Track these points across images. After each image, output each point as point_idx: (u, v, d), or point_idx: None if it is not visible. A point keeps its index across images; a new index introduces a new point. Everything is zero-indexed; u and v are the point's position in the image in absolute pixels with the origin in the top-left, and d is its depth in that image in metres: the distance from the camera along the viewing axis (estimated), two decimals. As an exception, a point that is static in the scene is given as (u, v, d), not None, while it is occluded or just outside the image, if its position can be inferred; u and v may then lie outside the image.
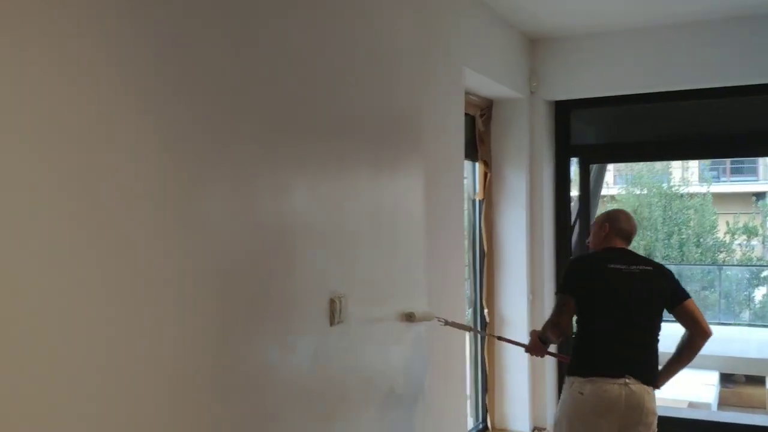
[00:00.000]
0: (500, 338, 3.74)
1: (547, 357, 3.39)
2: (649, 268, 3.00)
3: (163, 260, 1.83)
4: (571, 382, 2.92)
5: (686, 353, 3.00)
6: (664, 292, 2.97)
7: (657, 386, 2.96)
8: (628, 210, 3.22)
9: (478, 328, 3.49)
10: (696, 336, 2.96)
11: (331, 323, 2.56)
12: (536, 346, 3.15)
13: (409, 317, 3.11)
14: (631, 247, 3.13)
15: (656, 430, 2.88)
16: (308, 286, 2.44)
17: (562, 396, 2.99)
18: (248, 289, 2.13)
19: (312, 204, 2.46)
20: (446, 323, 3.36)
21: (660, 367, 3.02)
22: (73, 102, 1.59)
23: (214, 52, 2.01)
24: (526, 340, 4.97)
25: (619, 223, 3.08)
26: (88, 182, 1.62)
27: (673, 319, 3.05)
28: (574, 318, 3.05)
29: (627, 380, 2.81)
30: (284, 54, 2.32)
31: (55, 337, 1.54)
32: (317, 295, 2.49)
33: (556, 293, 3.03)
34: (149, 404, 1.78)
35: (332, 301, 2.56)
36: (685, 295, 2.99)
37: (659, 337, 2.99)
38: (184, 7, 1.91)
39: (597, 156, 5.69)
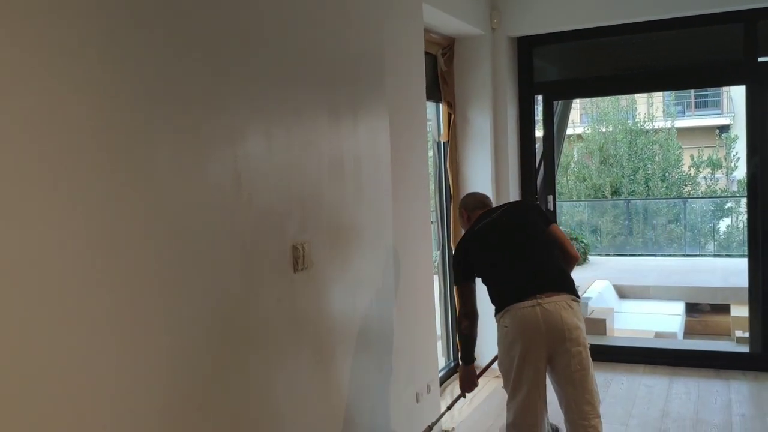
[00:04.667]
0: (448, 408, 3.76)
1: None
2: (507, 206, 3.32)
3: (110, 214, 1.77)
4: (497, 321, 3.04)
5: None
6: (533, 216, 3.20)
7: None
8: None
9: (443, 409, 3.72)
10: (565, 256, 3.14)
11: (295, 270, 2.53)
12: (466, 378, 3.37)
13: None
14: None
15: (587, 344, 2.92)
16: (268, 233, 2.39)
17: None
18: (202, 237, 2.08)
19: (268, 150, 2.40)
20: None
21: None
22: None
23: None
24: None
25: (468, 204, 3.37)
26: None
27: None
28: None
29: (538, 299, 2.87)
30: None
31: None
32: (278, 242, 2.45)
33: (455, 285, 3.29)
34: (109, 360, 1.74)
35: (294, 248, 2.53)
36: (549, 221, 3.21)
37: (555, 247, 3.12)
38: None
39: (561, 92, 5.66)
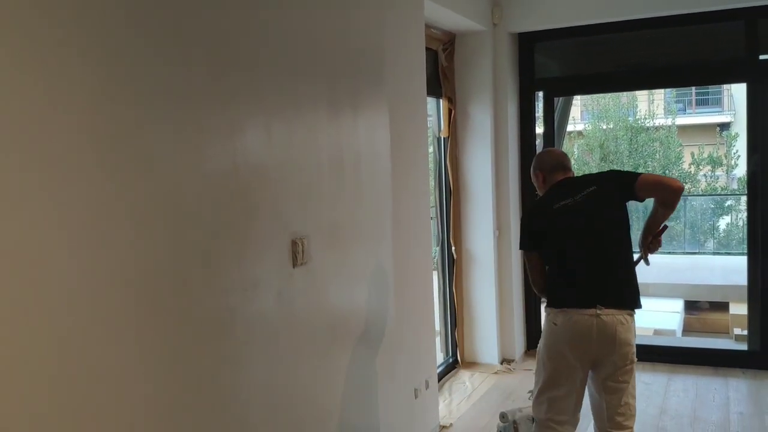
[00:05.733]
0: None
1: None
2: (592, 187, 2.93)
3: (111, 208, 1.76)
4: (548, 314, 2.94)
5: (662, 213, 2.92)
6: (617, 198, 2.90)
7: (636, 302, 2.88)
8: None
9: None
10: (664, 197, 2.88)
11: (294, 265, 2.53)
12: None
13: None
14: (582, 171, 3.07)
15: (634, 359, 2.83)
16: (267, 228, 2.39)
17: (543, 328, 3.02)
18: (202, 231, 2.07)
19: (267, 144, 2.39)
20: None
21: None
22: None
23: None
24: (492, 275, 4.99)
25: (545, 163, 3.08)
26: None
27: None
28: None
29: (598, 310, 2.76)
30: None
31: None
32: (278, 237, 2.44)
33: (520, 249, 3.08)
34: (106, 356, 1.74)
35: (294, 243, 2.52)
36: (635, 176, 2.89)
37: (629, 251, 2.93)
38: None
39: (562, 89, 5.65)
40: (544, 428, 2.94)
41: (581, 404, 2.94)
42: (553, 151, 3.21)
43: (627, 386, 2.83)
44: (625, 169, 2.98)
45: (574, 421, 2.95)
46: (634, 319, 2.85)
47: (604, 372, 2.84)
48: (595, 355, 2.81)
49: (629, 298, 2.86)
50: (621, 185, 2.90)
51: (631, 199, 2.89)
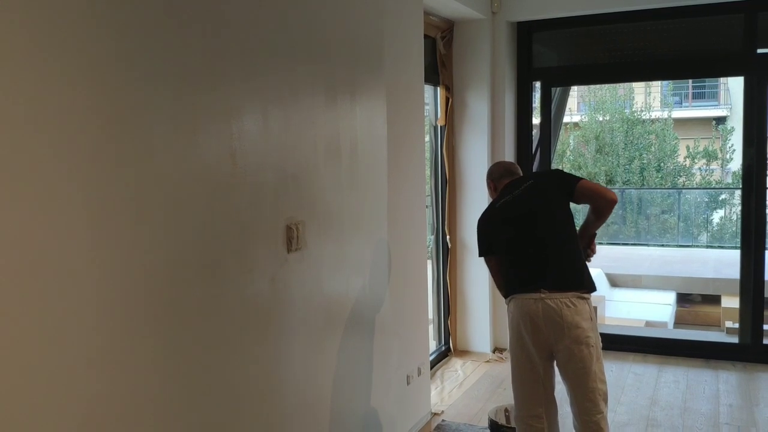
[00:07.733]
0: None
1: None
2: (529, 182, 3.10)
3: (108, 199, 1.75)
4: (506, 303, 3.04)
5: (593, 221, 3.05)
6: (555, 191, 3.01)
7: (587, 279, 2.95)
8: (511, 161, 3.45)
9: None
10: (599, 205, 2.98)
11: (289, 250, 2.52)
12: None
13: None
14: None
15: (592, 343, 2.83)
16: (262, 213, 2.38)
17: None
18: (198, 214, 2.07)
19: (264, 129, 2.38)
20: None
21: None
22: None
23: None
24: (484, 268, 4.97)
25: (494, 172, 3.25)
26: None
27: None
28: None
29: (542, 294, 2.83)
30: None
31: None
32: (273, 221, 2.44)
33: (479, 257, 3.17)
34: (100, 336, 1.74)
35: (289, 228, 2.52)
36: (576, 179, 3.00)
37: (572, 235, 2.99)
38: None
39: (559, 79, 5.63)
40: (523, 425, 2.98)
41: (552, 393, 2.97)
42: (502, 162, 3.39)
43: (588, 371, 2.83)
44: (569, 172, 3.16)
45: (551, 409, 2.98)
46: (587, 302, 2.87)
47: (561, 359, 2.88)
48: (548, 342, 2.86)
49: (573, 279, 2.89)
50: (562, 182, 3.04)
51: (569, 199, 2.99)
